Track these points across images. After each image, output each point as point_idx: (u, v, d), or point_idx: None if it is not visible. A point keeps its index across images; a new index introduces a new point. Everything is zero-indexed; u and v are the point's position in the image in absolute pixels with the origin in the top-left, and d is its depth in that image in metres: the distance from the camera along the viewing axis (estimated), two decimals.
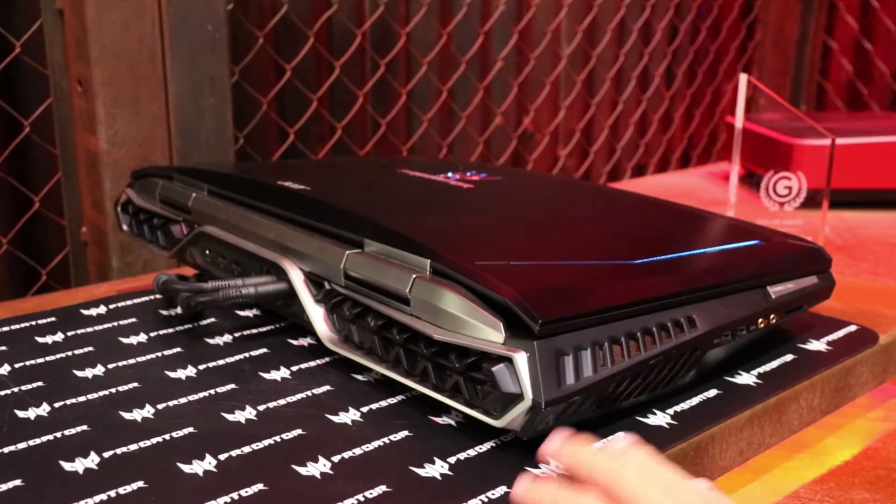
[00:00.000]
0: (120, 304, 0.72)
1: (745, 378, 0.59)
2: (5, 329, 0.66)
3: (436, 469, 0.47)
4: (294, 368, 0.59)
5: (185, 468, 0.46)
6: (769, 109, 1.69)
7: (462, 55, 1.39)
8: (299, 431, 0.51)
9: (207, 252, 0.71)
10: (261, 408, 0.53)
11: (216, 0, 1.00)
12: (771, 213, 0.94)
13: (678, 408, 0.54)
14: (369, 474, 0.46)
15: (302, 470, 0.46)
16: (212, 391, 0.56)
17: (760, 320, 0.59)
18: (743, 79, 0.91)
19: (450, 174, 0.79)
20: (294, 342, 0.64)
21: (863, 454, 0.56)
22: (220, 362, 0.60)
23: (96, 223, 0.99)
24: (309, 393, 0.56)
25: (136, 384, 0.57)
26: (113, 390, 0.56)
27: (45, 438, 0.49)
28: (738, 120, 0.93)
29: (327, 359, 0.61)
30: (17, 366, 0.59)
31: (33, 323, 0.67)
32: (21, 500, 0.44)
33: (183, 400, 0.54)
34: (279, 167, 0.90)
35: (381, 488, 0.45)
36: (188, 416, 0.52)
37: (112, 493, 0.44)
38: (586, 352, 0.47)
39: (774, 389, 0.58)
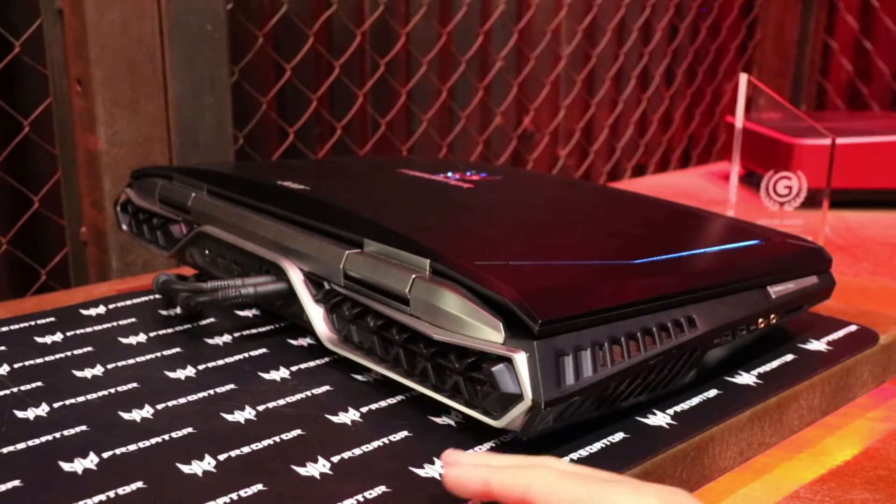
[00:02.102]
0: (119, 304, 0.72)
1: (745, 378, 0.59)
2: (4, 329, 0.66)
3: (436, 469, 0.47)
4: (293, 368, 0.59)
5: (185, 468, 0.46)
6: (769, 109, 1.69)
7: (462, 55, 1.39)
8: (299, 432, 0.51)
9: (207, 252, 0.71)
10: (260, 408, 0.53)
11: (216, 0, 1.00)
12: (771, 213, 0.94)
13: (678, 408, 0.54)
14: (369, 475, 0.46)
15: (301, 470, 0.46)
16: (211, 391, 0.56)
17: (760, 320, 0.59)
18: (743, 79, 0.91)
19: (450, 174, 0.79)
20: (294, 342, 0.64)
21: (863, 454, 0.56)
22: (220, 362, 0.60)
23: (96, 223, 0.99)
24: (308, 393, 0.56)
25: (135, 384, 0.57)
26: (112, 390, 0.56)
27: (44, 439, 0.49)
28: (738, 120, 0.93)
29: (327, 359, 0.61)
30: (16, 366, 0.59)
31: (32, 323, 0.67)
32: (20, 501, 0.43)
33: (182, 400, 0.54)
34: (279, 167, 0.90)
35: (381, 489, 0.45)
36: (187, 416, 0.52)
37: (111, 494, 0.44)
38: (586, 352, 0.47)
39: (774, 389, 0.58)
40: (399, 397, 0.55)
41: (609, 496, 0.38)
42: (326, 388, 0.57)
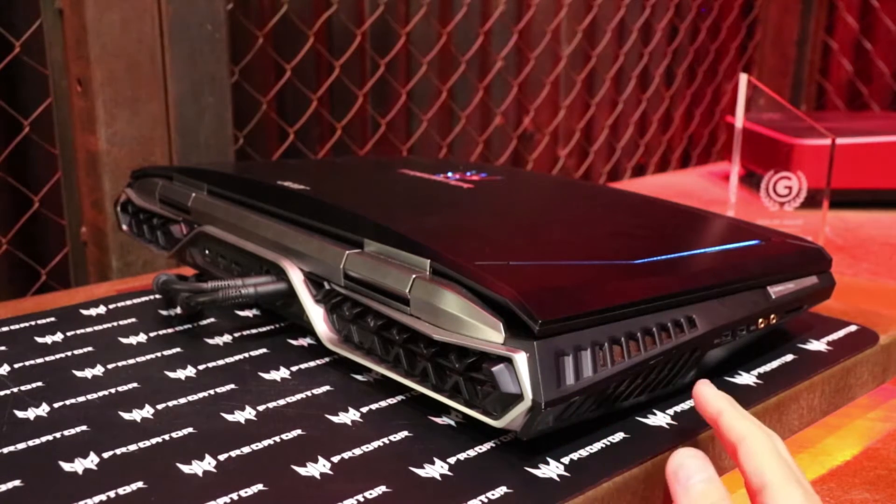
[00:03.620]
0: (119, 304, 0.72)
1: (745, 378, 0.59)
2: (5, 329, 0.66)
3: (436, 469, 0.47)
4: (294, 368, 0.59)
5: (185, 468, 0.46)
6: (769, 109, 1.68)
7: (462, 55, 1.39)
8: (299, 431, 0.51)
9: (207, 252, 0.71)
10: (260, 408, 0.53)
11: (216, 0, 1.00)
12: (771, 213, 0.94)
13: (678, 408, 0.54)
14: (369, 475, 0.46)
15: (301, 470, 0.46)
16: (211, 391, 0.56)
17: (760, 320, 0.59)
18: (743, 79, 0.91)
19: (450, 174, 0.79)
20: (294, 342, 0.64)
21: (863, 454, 0.56)
22: (220, 362, 0.60)
23: (96, 223, 0.99)
24: (309, 393, 0.56)
25: (135, 384, 0.57)
26: (112, 390, 0.56)
27: (44, 439, 0.49)
28: (738, 120, 0.93)
29: (327, 359, 0.61)
30: (16, 366, 0.59)
31: (33, 323, 0.67)
32: (20, 501, 0.44)
33: (183, 400, 0.54)
34: (279, 167, 0.90)
35: (381, 488, 0.45)
36: (188, 416, 0.52)
37: (112, 494, 0.44)
38: (586, 352, 0.47)
39: (774, 389, 0.58)
40: (399, 397, 0.55)
41: (791, 495, 0.40)
42: (326, 388, 0.57)
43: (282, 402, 0.54)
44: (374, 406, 0.54)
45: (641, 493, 0.48)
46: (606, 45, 1.61)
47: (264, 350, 0.63)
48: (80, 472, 0.46)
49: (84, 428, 0.51)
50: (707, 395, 0.48)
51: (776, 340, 0.65)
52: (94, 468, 0.46)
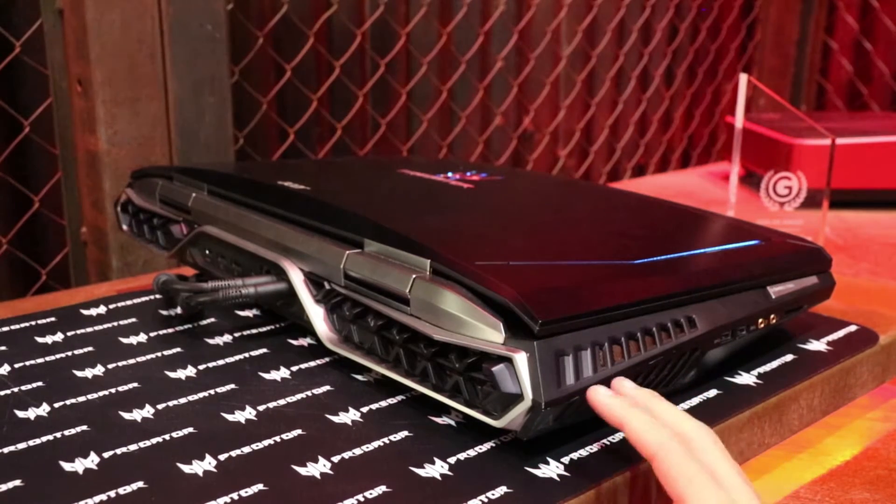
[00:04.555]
0: (120, 304, 0.72)
1: (745, 378, 0.59)
2: (5, 329, 0.66)
3: (436, 469, 0.47)
4: (294, 368, 0.59)
5: (185, 468, 0.46)
6: (769, 109, 1.69)
7: (462, 55, 1.39)
8: (299, 431, 0.51)
9: (207, 252, 0.71)
10: (261, 408, 0.53)
11: (216, 0, 1.00)
12: (771, 213, 0.94)
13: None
14: (369, 474, 0.46)
15: (302, 470, 0.46)
16: (212, 391, 0.56)
17: (760, 320, 0.59)
18: (743, 79, 0.91)
19: (450, 174, 0.79)
20: (294, 342, 0.64)
21: (863, 454, 0.56)
22: (220, 362, 0.60)
23: (96, 223, 0.99)
24: (309, 393, 0.56)
25: (135, 384, 0.57)
26: (113, 390, 0.56)
27: (44, 438, 0.49)
28: (738, 120, 0.93)
29: (327, 359, 0.61)
30: (16, 366, 0.59)
31: (33, 323, 0.67)
32: (21, 501, 0.44)
33: (183, 400, 0.54)
34: (279, 167, 0.90)
35: (381, 488, 0.45)
36: (188, 416, 0.52)
37: (112, 494, 0.44)
38: (586, 352, 0.47)
39: (774, 389, 0.58)
40: (399, 397, 0.55)
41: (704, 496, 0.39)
42: (327, 387, 0.57)
43: (282, 402, 0.54)
44: (374, 406, 0.54)
45: (641, 492, 0.48)
46: (606, 45, 1.61)
47: (264, 350, 0.63)
48: (80, 471, 0.46)
49: (84, 428, 0.51)
50: (603, 402, 0.45)
51: (776, 340, 0.65)
52: (94, 468, 0.46)
